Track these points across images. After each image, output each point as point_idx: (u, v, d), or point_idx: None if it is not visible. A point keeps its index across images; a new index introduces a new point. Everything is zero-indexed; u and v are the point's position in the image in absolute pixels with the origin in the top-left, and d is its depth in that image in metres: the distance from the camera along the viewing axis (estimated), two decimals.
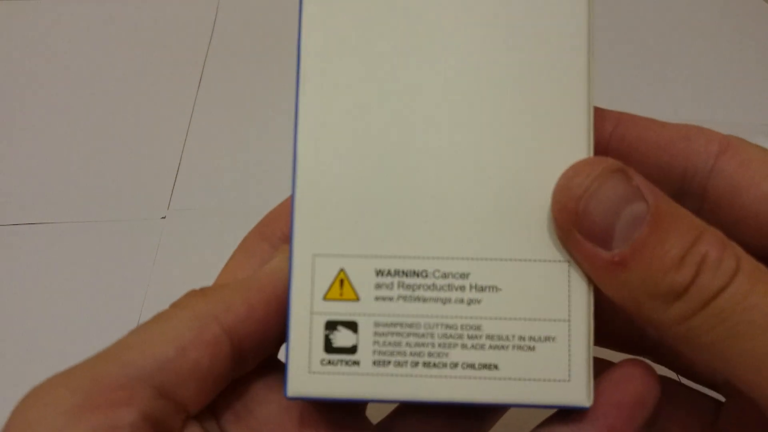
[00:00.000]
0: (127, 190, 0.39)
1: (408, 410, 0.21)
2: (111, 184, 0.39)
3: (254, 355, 0.19)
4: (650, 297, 0.16)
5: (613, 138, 0.20)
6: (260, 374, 0.20)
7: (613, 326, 0.24)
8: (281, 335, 0.18)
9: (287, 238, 0.20)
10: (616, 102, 0.41)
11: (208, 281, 0.22)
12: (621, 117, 0.20)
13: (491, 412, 0.21)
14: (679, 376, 0.25)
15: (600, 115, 0.20)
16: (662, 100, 0.41)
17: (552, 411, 0.19)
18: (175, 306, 0.19)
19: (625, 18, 0.45)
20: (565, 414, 0.18)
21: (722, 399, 0.23)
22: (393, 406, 0.21)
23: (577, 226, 0.17)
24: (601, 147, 0.20)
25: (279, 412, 0.19)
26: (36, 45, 0.45)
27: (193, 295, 0.19)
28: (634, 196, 0.16)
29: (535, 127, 0.18)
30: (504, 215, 0.18)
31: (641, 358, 0.18)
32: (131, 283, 0.36)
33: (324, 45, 0.18)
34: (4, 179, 0.40)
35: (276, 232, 0.21)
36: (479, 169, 0.18)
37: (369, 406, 0.22)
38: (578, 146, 0.18)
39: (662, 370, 0.24)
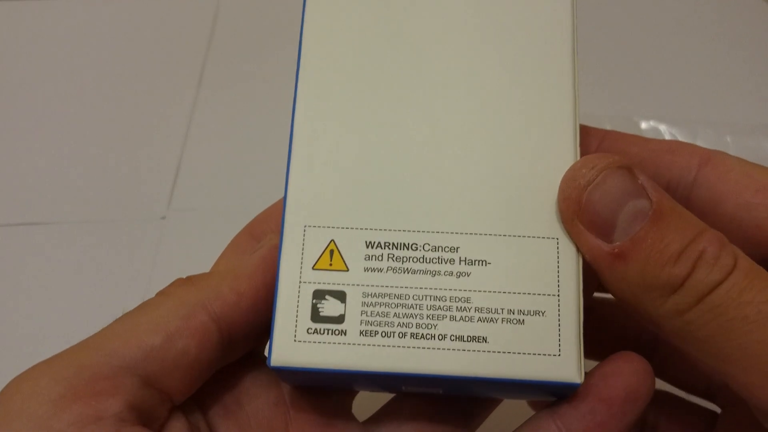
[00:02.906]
0: (127, 190, 0.39)
1: (394, 408, 0.21)
2: (111, 184, 0.39)
3: (243, 343, 0.19)
4: (648, 290, 0.16)
5: (601, 151, 0.20)
6: (250, 369, 0.20)
7: (609, 339, 0.24)
8: (270, 324, 0.18)
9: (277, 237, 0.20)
10: (616, 102, 0.41)
11: None
12: (606, 134, 0.21)
13: (478, 408, 0.21)
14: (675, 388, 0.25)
15: (586, 132, 0.21)
16: (662, 100, 0.41)
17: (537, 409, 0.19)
18: (161, 294, 0.18)
19: (626, 18, 0.45)
20: (553, 408, 0.18)
21: (718, 410, 0.23)
22: (379, 404, 0.21)
23: (579, 216, 0.17)
24: None
25: (268, 406, 0.19)
26: (36, 45, 0.45)
27: (179, 283, 0.19)
28: (637, 192, 0.17)
29: (524, 113, 0.18)
30: (494, 192, 0.18)
31: (633, 353, 0.18)
32: (131, 283, 0.36)
33: (325, 30, 0.19)
34: (4, 179, 0.40)
35: (266, 231, 0.21)
36: (470, 149, 0.18)
37: (355, 403, 0.22)
38: (564, 128, 0.18)
39: (658, 383, 0.24)
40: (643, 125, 0.40)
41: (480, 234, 0.18)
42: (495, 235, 0.18)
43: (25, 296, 0.36)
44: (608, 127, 0.39)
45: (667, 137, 0.40)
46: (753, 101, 0.41)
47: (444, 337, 0.17)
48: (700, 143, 0.40)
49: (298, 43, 0.19)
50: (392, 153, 0.18)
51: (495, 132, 0.18)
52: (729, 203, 0.19)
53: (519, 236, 0.18)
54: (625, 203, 0.16)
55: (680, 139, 0.40)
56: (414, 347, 0.17)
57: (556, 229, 0.18)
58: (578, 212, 0.17)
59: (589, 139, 0.21)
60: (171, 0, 0.47)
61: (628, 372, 0.18)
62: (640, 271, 0.16)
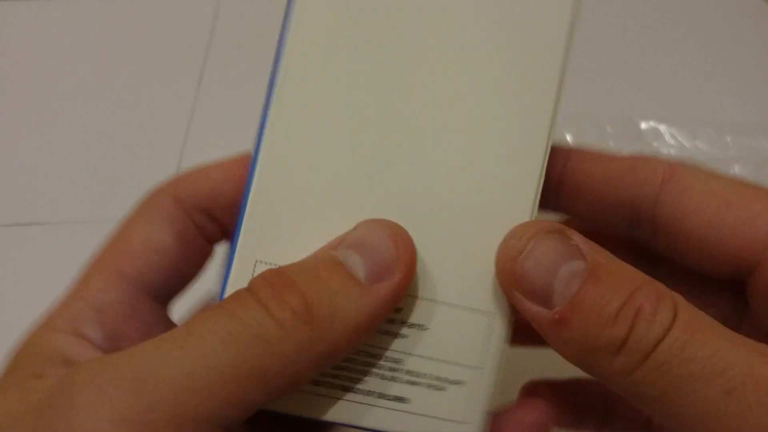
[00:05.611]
0: (127, 190, 0.39)
1: None
2: (111, 184, 0.39)
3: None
4: (593, 352, 0.16)
5: (566, 172, 0.20)
6: None
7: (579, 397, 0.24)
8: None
9: (203, 208, 0.20)
10: (616, 102, 0.41)
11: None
12: (570, 153, 0.20)
13: None
14: None
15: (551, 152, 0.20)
16: (662, 100, 0.41)
17: None
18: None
19: (626, 17, 0.45)
20: None
21: None
22: None
23: (516, 286, 0.17)
24: (554, 182, 0.20)
25: None
26: (36, 45, 0.45)
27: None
28: (571, 254, 0.16)
29: (487, 174, 0.18)
30: (441, 259, 0.18)
31: (539, 401, 0.19)
32: None
33: (306, 46, 0.18)
34: (4, 179, 0.40)
35: (194, 196, 0.20)
36: (428, 211, 0.18)
37: None
38: (526, 190, 0.18)
39: None
40: (643, 125, 0.40)
41: (424, 299, 0.18)
42: (437, 301, 0.18)
43: (25, 296, 0.36)
44: (608, 128, 0.39)
45: (667, 137, 0.40)
46: (753, 101, 0.41)
47: (371, 393, 0.18)
48: (700, 143, 0.40)
49: (278, 43, 0.18)
50: (344, 208, 0.18)
51: (456, 190, 0.18)
52: (692, 221, 0.19)
53: (460, 306, 0.18)
54: (559, 267, 0.16)
55: (680, 139, 0.40)
56: (341, 399, 0.18)
57: (495, 303, 0.18)
58: (515, 283, 0.17)
59: (553, 159, 0.20)
60: (171, 0, 0.47)
61: (528, 423, 0.19)
62: (582, 335, 0.16)
